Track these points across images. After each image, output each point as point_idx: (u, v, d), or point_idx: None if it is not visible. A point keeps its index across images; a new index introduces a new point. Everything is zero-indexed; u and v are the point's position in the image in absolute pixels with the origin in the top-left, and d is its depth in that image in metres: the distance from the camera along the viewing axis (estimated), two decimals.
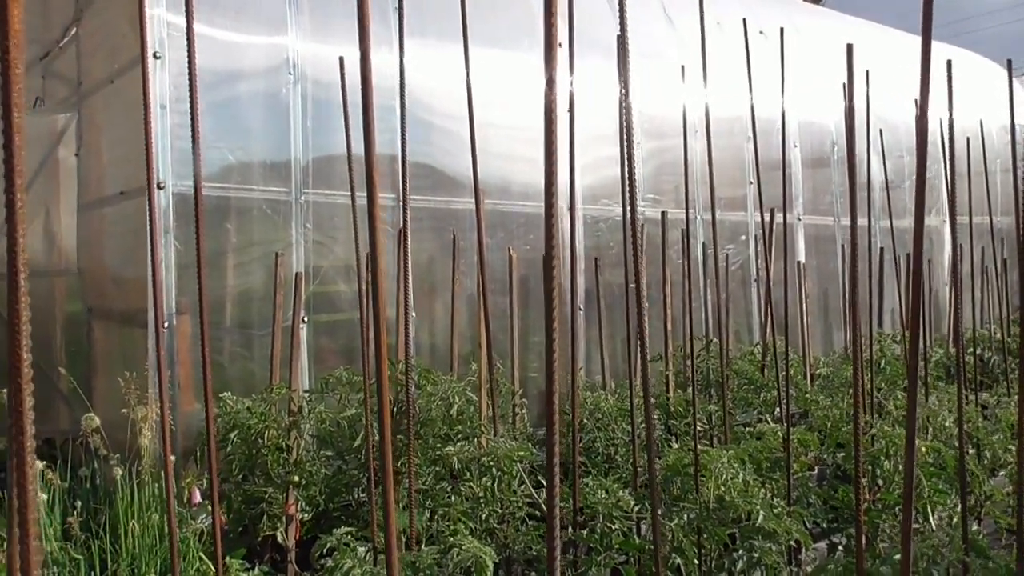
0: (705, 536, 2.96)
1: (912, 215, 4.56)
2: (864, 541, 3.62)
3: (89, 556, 3.15)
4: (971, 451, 3.99)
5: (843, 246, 7.68)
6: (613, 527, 2.79)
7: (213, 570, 2.92)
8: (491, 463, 3.05)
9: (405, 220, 2.78)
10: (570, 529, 2.86)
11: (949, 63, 2.43)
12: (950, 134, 2.59)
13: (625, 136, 2.27)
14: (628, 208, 2.09)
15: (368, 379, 3.05)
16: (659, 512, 2.97)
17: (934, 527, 3.35)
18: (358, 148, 1.59)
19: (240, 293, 4.50)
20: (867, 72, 3.88)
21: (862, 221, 5.10)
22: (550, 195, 1.18)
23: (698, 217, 6.57)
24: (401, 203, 2.68)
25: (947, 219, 8.50)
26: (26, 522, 0.67)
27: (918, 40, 1.46)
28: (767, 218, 5.11)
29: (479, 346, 3.97)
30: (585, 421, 4.47)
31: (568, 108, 3.17)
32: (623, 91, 2.15)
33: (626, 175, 2.54)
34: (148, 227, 2.27)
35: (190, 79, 1.85)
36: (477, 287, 3.54)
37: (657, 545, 1.71)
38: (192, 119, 1.86)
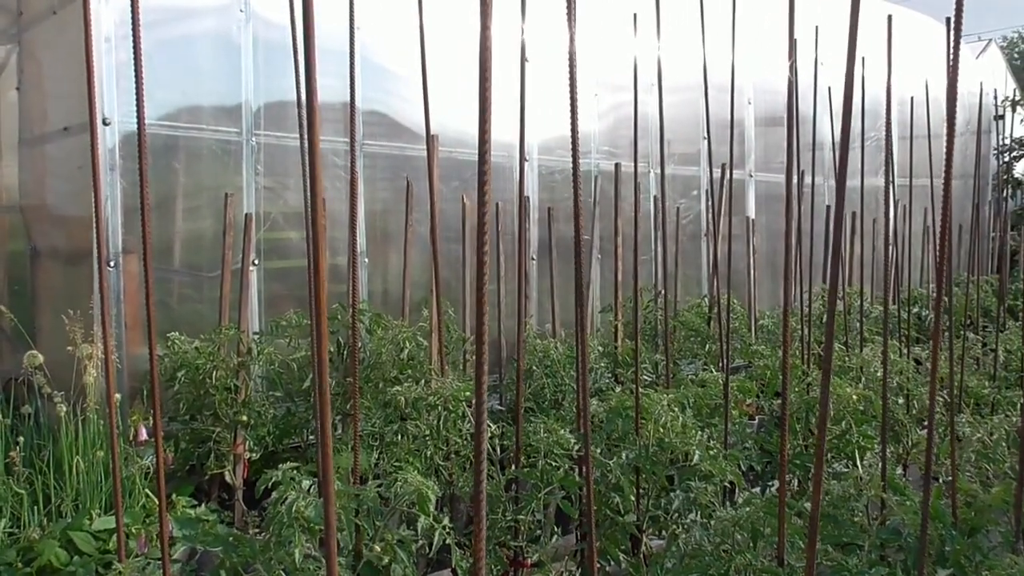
0: (644, 476, 3.06)
1: (860, 174, 4.64)
2: (797, 484, 3.79)
3: (32, 491, 3.16)
4: (901, 401, 4.16)
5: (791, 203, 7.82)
6: (554, 465, 2.88)
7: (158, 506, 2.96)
8: (437, 402, 3.10)
9: (354, 165, 2.78)
10: (513, 467, 2.93)
11: (889, 18, 2.48)
12: (888, 90, 2.66)
13: (572, 87, 2.29)
14: (573, 161, 2.12)
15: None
16: (599, 451, 3.07)
17: (861, 471, 3.51)
18: None
19: (189, 234, 4.46)
20: (816, 28, 3.93)
21: (809, 179, 5.21)
22: (484, 142, 1.21)
23: (651, 171, 6.64)
24: (350, 148, 2.67)
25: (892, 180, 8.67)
26: None
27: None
28: (718, 174, 5.19)
29: (431, 292, 4.00)
30: (535, 368, 4.55)
31: (520, 57, 3.16)
32: (571, 37, 2.17)
33: (575, 126, 2.57)
34: (91, 164, 2.25)
35: (132, 4, 1.83)
36: (430, 234, 3.55)
37: (588, 473, 1.79)
38: (135, 46, 1.85)
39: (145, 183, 1.98)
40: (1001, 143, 11.71)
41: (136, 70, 1.93)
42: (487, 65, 1.17)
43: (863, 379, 4.23)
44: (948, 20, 2.70)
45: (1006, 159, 12.16)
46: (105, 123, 4.01)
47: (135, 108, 1.98)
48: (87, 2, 2.01)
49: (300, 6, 1.55)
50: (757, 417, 4.70)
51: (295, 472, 2.45)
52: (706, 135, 4.46)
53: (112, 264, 4.03)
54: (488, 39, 1.18)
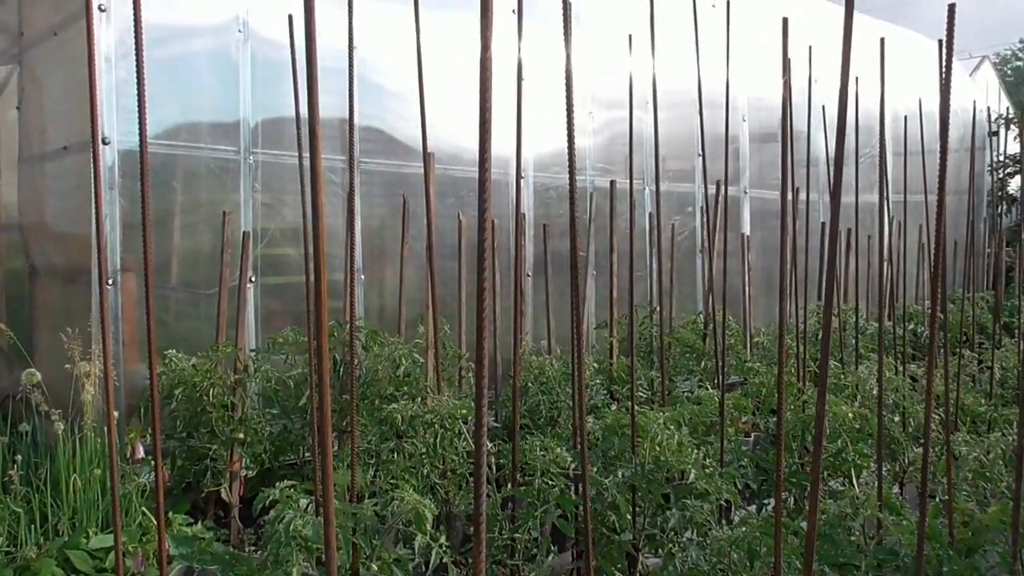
0: (640, 494, 3.07)
1: (855, 191, 4.68)
2: (793, 502, 3.79)
3: (29, 509, 3.15)
4: (897, 419, 4.16)
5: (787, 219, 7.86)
6: (551, 484, 2.88)
7: (155, 524, 2.95)
8: (434, 420, 3.11)
9: (352, 183, 2.80)
10: (509, 485, 2.94)
11: (882, 41, 2.51)
12: (881, 112, 2.69)
13: (569, 105, 2.31)
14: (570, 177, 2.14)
15: (313, 340, 3.08)
16: (595, 470, 3.07)
17: (858, 490, 3.51)
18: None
19: (187, 252, 4.47)
20: (810, 48, 3.97)
21: (804, 196, 5.24)
22: (484, 162, 1.22)
23: (646, 188, 6.67)
24: (349, 165, 2.69)
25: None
26: None
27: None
28: (712, 190, 5.22)
29: (427, 309, 4.01)
30: (530, 385, 4.55)
31: (516, 75, 3.19)
32: (567, 56, 2.20)
33: (571, 143, 2.60)
34: (92, 183, 2.27)
35: (136, 24, 1.85)
36: (426, 251, 3.57)
37: (586, 492, 1.79)
38: (138, 67, 1.86)
39: (147, 203, 1.99)
40: (995, 160, 11.78)
41: (139, 89, 1.95)
42: (487, 86, 1.17)
43: (859, 397, 4.24)
44: (940, 42, 2.73)
45: (1000, 176, 12.23)
46: (104, 142, 4.03)
47: (134, 127, 2.00)
48: (90, 22, 2.03)
49: (301, 28, 1.57)
50: (753, 434, 4.70)
51: (292, 490, 2.45)
52: (701, 152, 4.49)
53: (110, 282, 4.04)
54: (488, 60, 1.18)
